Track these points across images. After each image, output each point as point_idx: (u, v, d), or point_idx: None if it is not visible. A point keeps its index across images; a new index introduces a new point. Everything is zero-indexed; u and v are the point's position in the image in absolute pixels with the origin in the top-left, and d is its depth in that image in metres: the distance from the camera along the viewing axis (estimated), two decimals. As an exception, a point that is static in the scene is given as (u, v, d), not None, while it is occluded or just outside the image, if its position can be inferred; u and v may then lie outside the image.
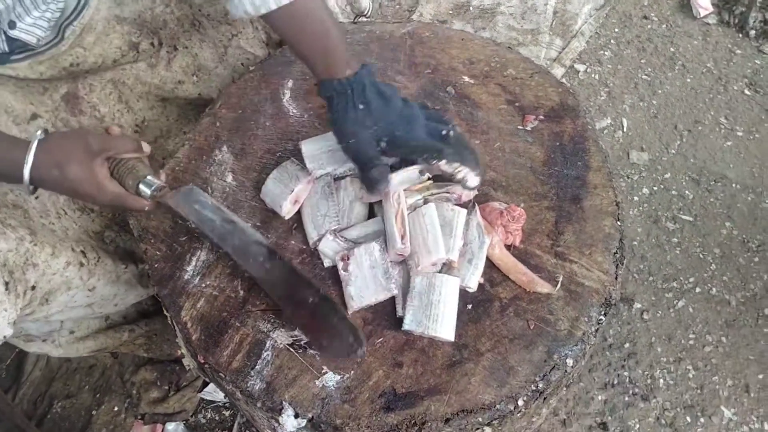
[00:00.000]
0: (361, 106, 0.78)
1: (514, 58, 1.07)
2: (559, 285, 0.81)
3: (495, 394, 0.74)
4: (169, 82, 1.11)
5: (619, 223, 0.88)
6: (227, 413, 1.31)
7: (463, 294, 0.80)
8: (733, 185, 1.61)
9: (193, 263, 0.85)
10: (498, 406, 0.73)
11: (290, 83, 1.03)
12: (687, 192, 1.61)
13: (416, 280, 0.78)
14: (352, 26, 1.13)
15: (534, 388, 0.75)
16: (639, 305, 1.43)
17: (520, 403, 0.74)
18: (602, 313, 0.81)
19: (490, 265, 0.82)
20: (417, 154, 0.78)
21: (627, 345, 1.37)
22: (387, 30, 1.12)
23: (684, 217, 1.57)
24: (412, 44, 1.09)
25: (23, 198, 0.91)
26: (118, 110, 1.07)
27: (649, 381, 1.32)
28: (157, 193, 0.78)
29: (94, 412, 1.32)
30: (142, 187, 0.78)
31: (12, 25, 0.84)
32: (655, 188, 1.63)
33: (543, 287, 0.80)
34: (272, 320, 0.79)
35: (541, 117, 0.98)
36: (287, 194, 0.84)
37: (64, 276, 0.86)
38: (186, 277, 0.83)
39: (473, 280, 0.78)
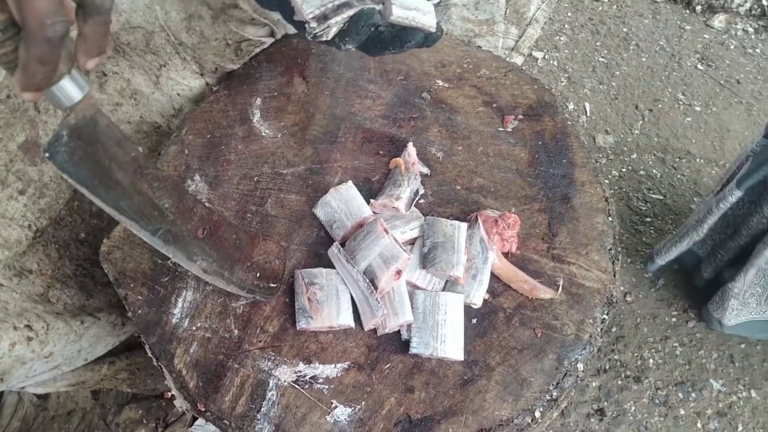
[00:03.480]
0: None
1: (485, 57, 1.05)
2: (560, 289, 0.80)
3: (511, 408, 0.72)
4: (107, 104, 1.05)
5: (610, 218, 0.87)
6: (221, 445, 1.26)
7: (467, 309, 0.78)
8: (697, 160, 1.65)
9: (180, 305, 0.80)
10: (516, 421, 0.72)
11: (258, 101, 0.99)
12: (654, 171, 1.64)
13: (419, 299, 0.76)
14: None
15: (549, 398, 0.74)
16: (621, 288, 1.45)
17: (537, 414, 0.73)
18: (605, 312, 0.80)
19: (490, 275, 0.80)
20: None
21: (614, 329, 1.39)
22: (353, 37, 1.08)
23: (654, 196, 1.60)
24: (380, 50, 1.06)
25: None
26: None
27: (639, 362, 1.35)
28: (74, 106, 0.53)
29: (78, 462, 1.25)
30: (67, 82, 0.51)
31: None
32: (624, 170, 1.65)
33: (545, 293, 0.79)
34: (272, 357, 0.75)
35: (520, 116, 0.97)
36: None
37: (13, 356, 0.80)
38: (174, 321, 0.79)
39: (478, 296, 0.76)
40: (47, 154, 0.51)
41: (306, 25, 0.71)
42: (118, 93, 1.05)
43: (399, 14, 0.71)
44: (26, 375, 0.88)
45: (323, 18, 0.70)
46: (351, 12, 0.70)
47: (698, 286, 1.36)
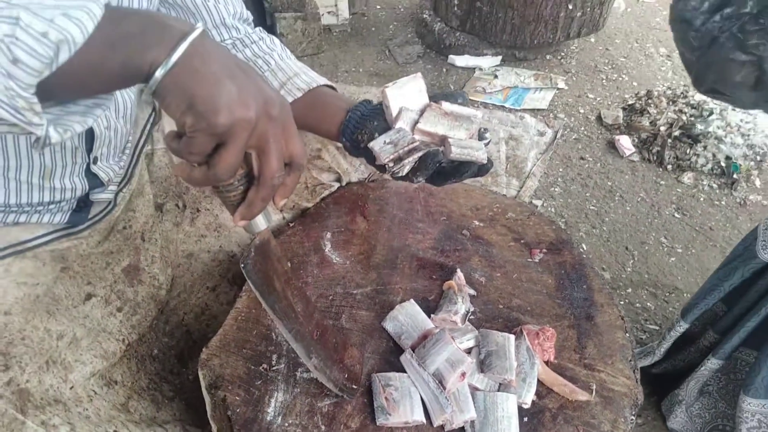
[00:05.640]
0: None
1: (510, 203, 1.29)
2: (594, 393, 0.95)
3: (565, 496, 0.84)
4: (193, 236, 1.24)
5: (627, 334, 1.05)
6: None
7: (519, 408, 0.92)
8: (685, 295, 1.86)
9: (273, 404, 0.92)
10: (570, 508, 0.83)
11: (329, 235, 1.19)
12: (648, 304, 1.84)
13: (479, 398, 0.90)
14: (373, 183, 1.33)
15: (596, 487, 0.86)
16: (632, 411, 1.57)
17: (587, 502, 0.84)
18: (633, 413, 0.95)
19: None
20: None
21: (631, 450, 1.48)
22: (402, 185, 1.32)
23: (651, 326, 1.78)
24: (425, 196, 1.30)
25: (60, 391, 0.96)
26: (168, 275, 1.18)
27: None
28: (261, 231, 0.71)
29: None
30: (262, 215, 0.69)
31: (95, 160, 0.93)
32: (621, 303, 1.85)
33: (582, 396, 0.94)
34: (356, 450, 0.87)
35: (545, 250, 1.18)
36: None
37: None
38: (268, 418, 0.91)
39: (528, 396, 0.91)
40: (242, 265, 0.69)
41: (386, 166, 0.93)
42: (205, 226, 1.25)
43: (457, 152, 0.92)
44: None
45: (398, 160, 0.92)
46: (420, 153, 0.92)
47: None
